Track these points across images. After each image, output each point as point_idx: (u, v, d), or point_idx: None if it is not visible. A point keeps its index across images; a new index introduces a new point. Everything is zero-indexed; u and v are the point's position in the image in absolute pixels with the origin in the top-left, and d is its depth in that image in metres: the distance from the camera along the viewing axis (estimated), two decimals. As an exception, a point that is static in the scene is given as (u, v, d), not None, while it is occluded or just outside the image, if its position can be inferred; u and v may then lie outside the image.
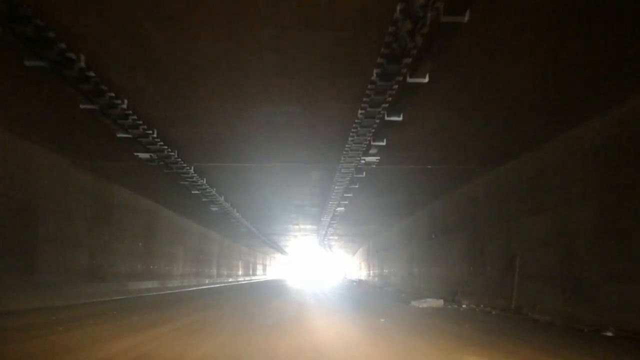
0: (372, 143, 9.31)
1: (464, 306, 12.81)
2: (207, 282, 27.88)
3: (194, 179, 13.12)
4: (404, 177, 13.88)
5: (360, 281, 42.70)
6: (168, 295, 16.37)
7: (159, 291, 18.32)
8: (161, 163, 11.23)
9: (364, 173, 12.51)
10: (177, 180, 13.22)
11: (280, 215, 22.66)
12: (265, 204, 19.41)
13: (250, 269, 48.12)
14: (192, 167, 12.34)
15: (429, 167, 12.12)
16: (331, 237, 32.83)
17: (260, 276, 55.08)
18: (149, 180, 14.74)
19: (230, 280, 36.31)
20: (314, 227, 27.81)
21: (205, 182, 13.89)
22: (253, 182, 14.88)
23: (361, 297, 19.11)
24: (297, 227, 28.04)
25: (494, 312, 11.04)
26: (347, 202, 17.21)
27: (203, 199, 16.48)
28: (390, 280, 26.40)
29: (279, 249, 48.51)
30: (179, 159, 11.26)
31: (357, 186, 14.25)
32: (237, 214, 20.69)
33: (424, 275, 19.13)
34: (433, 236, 17.64)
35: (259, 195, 17.34)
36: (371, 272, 35.91)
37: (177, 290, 19.42)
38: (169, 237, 20.81)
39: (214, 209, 18.49)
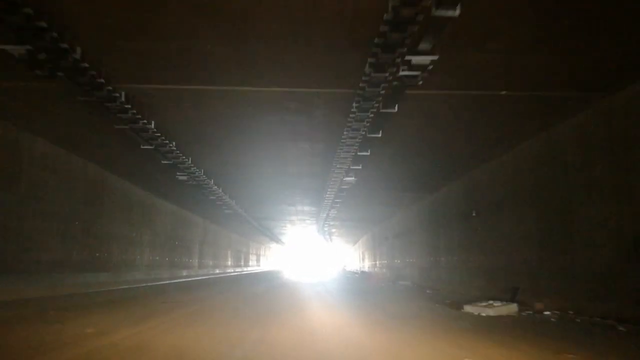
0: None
1: (547, 313, 8.36)
2: (184, 274, 23.40)
3: (136, 121, 8.61)
4: (435, 132, 9.49)
5: (363, 273, 38.37)
6: (98, 296, 11.84)
7: (109, 286, 13.82)
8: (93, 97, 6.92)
9: (380, 132, 9.32)
10: (124, 131, 8.85)
11: (274, 190, 18.12)
12: (252, 171, 14.89)
13: (241, 259, 43.66)
14: (123, 94, 7.78)
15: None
16: (332, 223, 28.34)
17: (253, 267, 50.67)
18: (83, 129, 10.24)
19: (217, 271, 31.84)
20: (314, 209, 23.31)
21: (153, 125, 9.33)
22: (235, 133, 10.36)
23: (378, 296, 14.67)
24: (293, 208, 23.53)
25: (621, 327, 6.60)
26: (359, 167, 12.72)
27: (163, 161, 11.96)
28: (405, 272, 21.96)
29: (274, 238, 44.03)
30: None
31: (367, 153, 10.98)
32: (215, 186, 16.16)
33: (456, 266, 14.69)
34: (473, 214, 13.15)
35: (243, 157, 12.80)
36: (377, 262, 31.51)
37: (135, 286, 14.91)
38: (126, 216, 16.27)
39: (181, 177, 13.96)
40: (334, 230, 34.74)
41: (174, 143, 10.89)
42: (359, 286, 20.21)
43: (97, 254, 13.88)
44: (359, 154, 11.23)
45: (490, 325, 6.88)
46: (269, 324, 6.85)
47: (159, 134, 9.77)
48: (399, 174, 14.44)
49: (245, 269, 45.44)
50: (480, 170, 12.59)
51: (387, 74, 6.39)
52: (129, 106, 8.02)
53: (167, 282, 18.42)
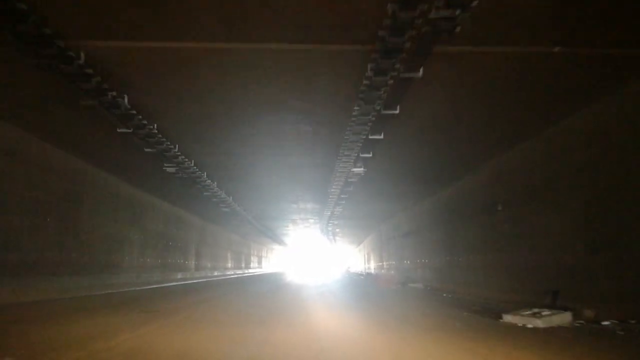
0: None
1: (605, 323, 6.81)
2: (179, 276, 21.87)
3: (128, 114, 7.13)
4: (460, 106, 7.96)
5: (369, 275, 36.78)
6: (69, 302, 10.34)
7: (89, 291, 12.32)
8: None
9: (398, 107, 8.03)
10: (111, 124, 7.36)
11: (274, 184, 16.60)
12: (248, 161, 13.37)
13: (242, 261, 42.13)
14: (83, 55, 6.27)
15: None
16: (336, 222, 26.80)
17: (254, 269, 49.16)
18: (60, 115, 8.77)
19: (216, 274, 30.31)
20: (317, 206, 21.79)
21: (126, 101, 7.82)
22: (223, 110, 8.86)
23: (391, 301, 13.17)
24: (295, 206, 22.02)
25: None
26: (370, 155, 11.21)
27: (146, 148, 10.47)
28: (416, 274, 20.40)
29: (276, 239, 42.54)
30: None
31: (381, 136, 9.71)
32: (209, 180, 14.67)
33: (476, 266, 13.14)
34: (499, 207, 11.60)
35: (235, 143, 11.29)
36: (384, 263, 29.94)
37: (118, 291, 13.41)
38: (111, 213, 14.77)
39: (169, 168, 12.47)
40: (338, 230, 33.21)
41: (155, 125, 9.40)
42: (367, 289, 18.69)
43: (75, 255, 12.37)
44: (370, 137, 9.71)
45: (550, 342, 5.34)
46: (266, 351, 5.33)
47: (134, 112, 8.27)
48: (414, 163, 12.89)
49: (246, 271, 43.91)
50: (510, 155, 11.03)
51: (416, 14, 4.87)
52: (91, 71, 6.51)
53: (157, 286, 16.91)
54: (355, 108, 8.04)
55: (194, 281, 21.88)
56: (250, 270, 45.64)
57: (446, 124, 9.54)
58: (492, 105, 8.34)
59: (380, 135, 9.79)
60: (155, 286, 16.48)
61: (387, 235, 27.70)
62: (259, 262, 54.17)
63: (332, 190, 15.86)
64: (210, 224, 28.51)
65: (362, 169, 12.54)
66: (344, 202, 18.45)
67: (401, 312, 9.28)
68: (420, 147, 11.30)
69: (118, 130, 9.19)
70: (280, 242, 47.71)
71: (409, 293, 15.83)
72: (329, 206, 20.33)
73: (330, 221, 26.86)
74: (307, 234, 37.93)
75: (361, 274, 42.04)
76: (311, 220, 29.21)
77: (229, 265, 36.08)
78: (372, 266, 36.96)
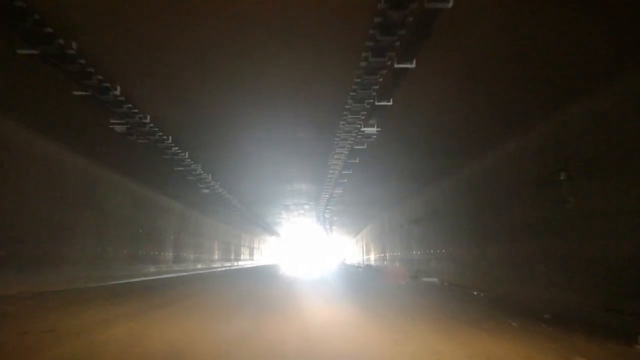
0: None
1: None
2: (151, 270, 18.75)
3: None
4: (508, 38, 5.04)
5: (368, 267, 33.95)
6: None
7: (6, 290, 9.19)
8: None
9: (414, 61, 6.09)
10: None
11: (264, 156, 13.51)
12: (231, 132, 10.26)
13: (231, 252, 39.04)
14: None
15: None
16: (334, 209, 23.78)
17: (245, 262, 46.15)
18: None
19: (200, 266, 27.21)
20: (314, 187, 18.73)
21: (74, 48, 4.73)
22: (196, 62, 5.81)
23: (418, 303, 10.18)
24: (289, 186, 18.92)
25: None
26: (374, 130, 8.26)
27: (99, 108, 7.34)
28: (429, 267, 17.43)
29: (268, 229, 39.46)
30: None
31: (389, 103, 7.80)
32: (175, 147, 11.54)
33: (520, 257, 10.14)
34: (561, 177, 8.56)
35: (212, 105, 8.19)
36: (387, 254, 27.01)
37: (47, 290, 10.28)
38: (50, 191, 11.61)
39: (119, 127, 9.32)
40: (335, 218, 30.18)
41: (118, 88, 6.29)
42: (374, 284, 15.71)
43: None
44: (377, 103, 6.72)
45: None
46: None
47: (82, 61, 5.22)
48: (433, 130, 9.92)
49: (236, 263, 40.88)
50: (585, 104, 7.98)
51: None
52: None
53: (115, 282, 13.80)
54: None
55: (170, 276, 18.77)
56: (240, 263, 42.60)
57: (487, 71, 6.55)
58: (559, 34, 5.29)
59: (389, 101, 7.06)
60: (109, 283, 13.36)
61: (392, 223, 24.72)
62: (251, 254, 51.15)
63: (334, 162, 12.77)
64: (194, 211, 25.38)
65: (375, 128, 9.45)
66: (345, 181, 15.38)
67: (444, 325, 6.25)
68: (443, 108, 8.31)
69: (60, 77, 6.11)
70: (273, 232, 44.68)
71: (428, 290, 12.87)
72: (327, 187, 17.30)
73: (328, 207, 23.88)
74: (301, 222, 34.96)
75: (359, 266, 39.21)
76: (306, 206, 26.19)
77: (216, 257, 32.99)
78: (372, 258, 34.04)
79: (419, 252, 19.17)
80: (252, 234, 47.69)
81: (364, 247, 40.02)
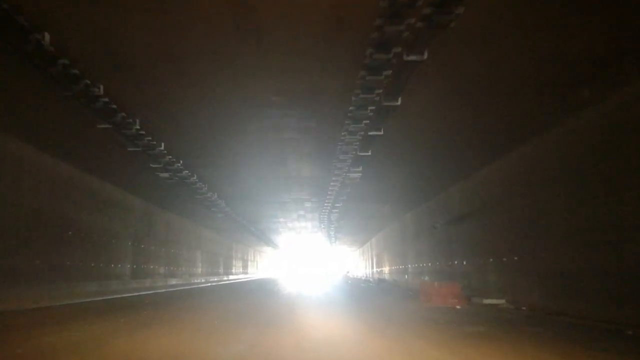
0: None
1: None
2: (92, 289, 13.22)
3: None
4: None
5: (382, 281, 28.36)
6: None
7: None
8: None
9: None
10: None
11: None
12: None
13: (219, 265, 33.45)
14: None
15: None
16: (340, 210, 18.50)
17: (238, 275, 40.62)
18: None
19: (173, 282, 21.64)
20: (319, 174, 13.42)
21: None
22: None
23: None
24: (289, 196, 13.66)
25: None
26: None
27: None
28: (484, 281, 12.00)
29: (262, 237, 33.91)
30: None
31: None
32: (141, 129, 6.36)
33: None
34: None
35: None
36: (409, 266, 21.59)
37: None
38: None
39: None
40: (342, 224, 24.83)
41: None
42: (408, 311, 10.24)
43: None
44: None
45: None
46: None
47: None
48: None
49: (226, 277, 35.37)
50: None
51: None
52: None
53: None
54: None
55: (114, 297, 13.14)
56: (232, 277, 37.02)
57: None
58: None
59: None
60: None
61: (418, 227, 19.30)
62: (245, 267, 45.61)
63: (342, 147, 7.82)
64: (163, 211, 20.02)
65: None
66: (360, 173, 10.32)
67: None
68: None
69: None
70: (269, 242, 39.23)
71: (522, 324, 7.51)
72: (338, 175, 12.14)
73: (332, 212, 18.75)
74: (302, 232, 29.76)
75: (369, 280, 33.53)
76: (309, 214, 21.12)
77: (199, 270, 27.51)
78: (386, 270, 28.50)
79: (465, 262, 13.76)
80: (245, 244, 42.22)
81: (373, 258, 34.51)
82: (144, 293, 15.08)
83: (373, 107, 7.36)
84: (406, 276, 21.67)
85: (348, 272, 51.02)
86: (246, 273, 45.92)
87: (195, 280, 25.88)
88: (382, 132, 8.46)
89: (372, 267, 34.99)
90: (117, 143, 9.20)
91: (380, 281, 28.19)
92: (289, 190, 16.12)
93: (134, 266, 16.83)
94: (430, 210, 17.25)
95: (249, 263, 48.50)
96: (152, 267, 18.81)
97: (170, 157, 10.82)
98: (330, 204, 17.33)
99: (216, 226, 26.62)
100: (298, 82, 7.09)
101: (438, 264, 16.53)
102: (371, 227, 27.70)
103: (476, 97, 7.64)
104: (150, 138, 9.30)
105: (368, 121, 8.00)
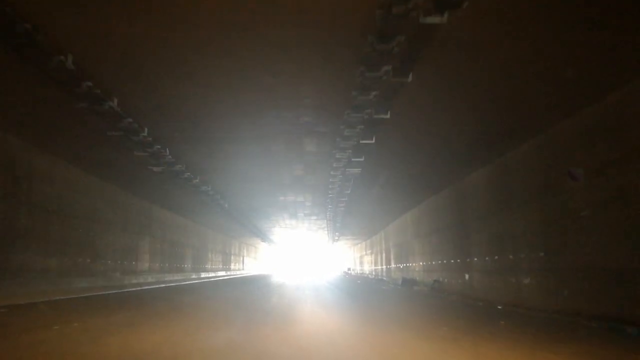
0: None
1: None
2: (40, 288, 10.32)
3: None
4: None
5: (412, 281, 22.25)
6: None
7: None
8: None
9: None
10: None
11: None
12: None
13: (207, 261, 30.54)
14: None
15: None
16: (347, 199, 15.77)
17: (234, 271, 38.19)
18: None
19: (149, 280, 18.73)
20: (323, 157, 10.60)
21: None
22: None
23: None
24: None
25: None
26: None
27: None
28: (531, 283, 9.09)
29: (254, 230, 30.97)
30: None
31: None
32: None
33: None
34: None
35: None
36: (422, 263, 18.77)
37: None
38: None
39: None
40: (348, 220, 21.71)
41: None
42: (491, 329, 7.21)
43: None
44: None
45: None
46: None
47: None
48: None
49: (219, 273, 32.71)
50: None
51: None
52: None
53: None
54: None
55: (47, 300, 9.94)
56: (220, 273, 34.23)
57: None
58: None
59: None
60: None
61: (437, 217, 16.32)
62: (240, 262, 43.05)
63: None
64: (150, 204, 17.27)
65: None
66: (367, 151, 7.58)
67: None
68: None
69: None
70: (264, 237, 36.48)
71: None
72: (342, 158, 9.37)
73: (340, 199, 16.01)
74: (300, 228, 27.24)
75: (383, 279, 27.67)
76: (308, 209, 18.47)
77: (187, 265, 24.73)
78: (394, 268, 25.45)
79: (496, 257, 10.84)
80: (238, 239, 39.45)
81: (380, 254, 30.94)
82: (84, 296, 11.52)
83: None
84: (466, 275, 13.41)
85: (349, 269, 48.18)
86: (243, 269, 43.58)
87: (176, 278, 22.94)
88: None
89: (384, 263, 29.69)
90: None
91: (407, 282, 19.88)
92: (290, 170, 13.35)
93: (101, 261, 13.93)
94: (446, 200, 14.10)
95: (244, 259, 45.88)
96: (117, 263, 15.80)
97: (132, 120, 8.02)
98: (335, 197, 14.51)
99: (204, 220, 23.88)
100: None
101: (456, 262, 13.32)
102: (375, 223, 24.66)
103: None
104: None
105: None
